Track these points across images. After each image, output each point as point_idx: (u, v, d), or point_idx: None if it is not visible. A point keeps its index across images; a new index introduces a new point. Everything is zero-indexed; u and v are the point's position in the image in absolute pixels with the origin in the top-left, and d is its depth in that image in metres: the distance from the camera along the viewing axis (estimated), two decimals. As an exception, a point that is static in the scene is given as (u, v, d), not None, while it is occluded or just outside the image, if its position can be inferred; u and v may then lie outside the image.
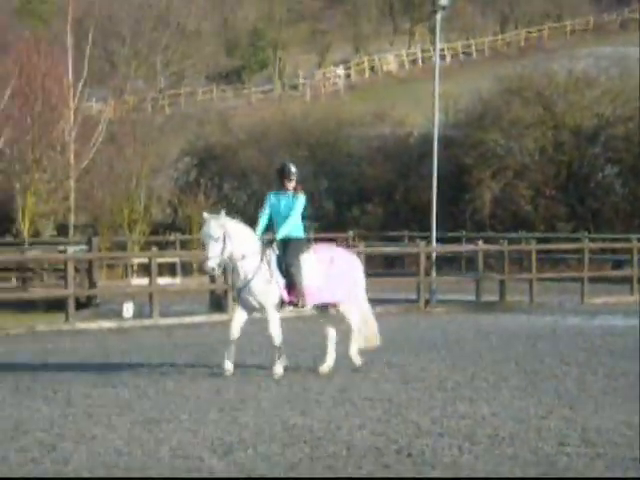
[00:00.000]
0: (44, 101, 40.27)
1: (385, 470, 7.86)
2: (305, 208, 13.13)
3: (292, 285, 12.71)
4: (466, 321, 21.35)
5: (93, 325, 20.74)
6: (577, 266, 29.00)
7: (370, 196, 45.14)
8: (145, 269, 27.95)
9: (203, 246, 12.86)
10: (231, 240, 12.47)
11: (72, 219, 41.85)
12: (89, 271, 26.70)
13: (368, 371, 13.35)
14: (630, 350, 15.25)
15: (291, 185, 12.93)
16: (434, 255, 27.09)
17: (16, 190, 40.69)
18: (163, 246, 37.04)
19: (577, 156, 42.29)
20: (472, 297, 25.70)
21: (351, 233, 39.97)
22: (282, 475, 7.67)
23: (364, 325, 13.46)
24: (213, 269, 12.62)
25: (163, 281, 27.19)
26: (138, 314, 22.68)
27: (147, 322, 21.21)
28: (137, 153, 42.10)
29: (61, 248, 30.11)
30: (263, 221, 12.94)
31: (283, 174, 12.98)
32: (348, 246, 26.91)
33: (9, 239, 38.52)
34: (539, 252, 28.42)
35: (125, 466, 8.04)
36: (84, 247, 30.85)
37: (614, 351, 15.28)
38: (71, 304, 20.99)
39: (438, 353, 15.34)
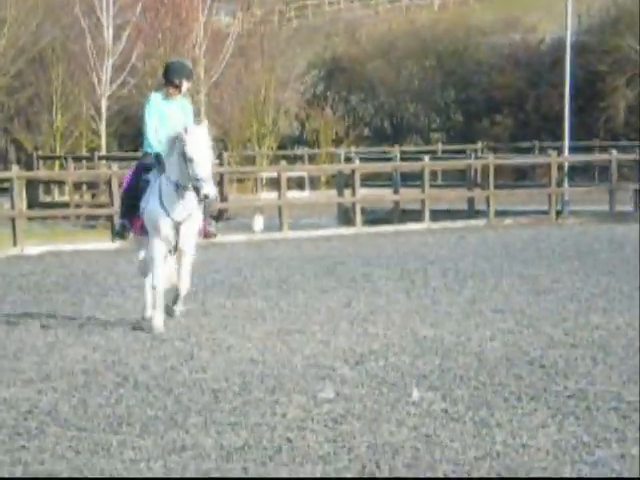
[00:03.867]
0: (174, 15, 40.56)
1: (517, 381, 7.84)
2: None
3: (206, 213, 10.46)
4: (599, 232, 20.97)
5: (224, 238, 21.07)
6: None
7: (500, 106, 44.31)
8: (274, 183, 28.18)
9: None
10: None
11: (203, 133, 42.30)
12: (220, 185, 27.06)
13: (498, 283, 13.28)
14: None
15: (186, 87, 10.36)
16: (566, 165, 26.60)
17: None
18: (291, 160, 37.23)
19: None
20: (605, 207, 25.19)
21: (480, 144, 39.44)
22: (415, 384, 7.73)
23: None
24: None
25: (292, 195, 27.39)
26: (268, 227, 22.96)
27: (277, 235, 21.47)
28: (265, 67, 42.19)
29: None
30: (153, 132, 10.23)
31: (180, 72, 10.27)
32: None
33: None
34: (676, 161, 27.56)
35: (260, 374, 8.22)
36: (215, 161, 31.22)
37: None
38: (204, 217, 21.34)
39: (571, 264, 15.14)
